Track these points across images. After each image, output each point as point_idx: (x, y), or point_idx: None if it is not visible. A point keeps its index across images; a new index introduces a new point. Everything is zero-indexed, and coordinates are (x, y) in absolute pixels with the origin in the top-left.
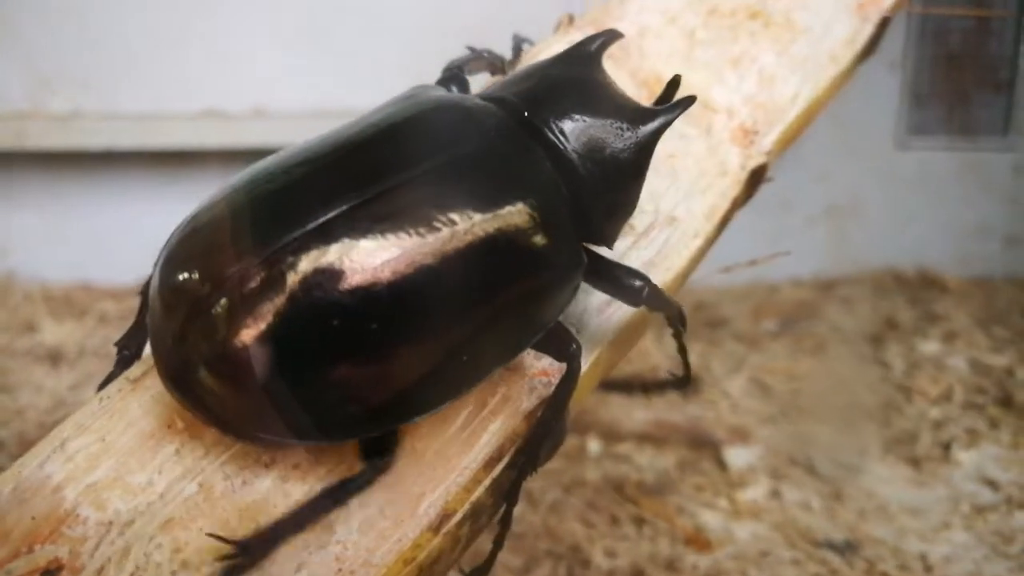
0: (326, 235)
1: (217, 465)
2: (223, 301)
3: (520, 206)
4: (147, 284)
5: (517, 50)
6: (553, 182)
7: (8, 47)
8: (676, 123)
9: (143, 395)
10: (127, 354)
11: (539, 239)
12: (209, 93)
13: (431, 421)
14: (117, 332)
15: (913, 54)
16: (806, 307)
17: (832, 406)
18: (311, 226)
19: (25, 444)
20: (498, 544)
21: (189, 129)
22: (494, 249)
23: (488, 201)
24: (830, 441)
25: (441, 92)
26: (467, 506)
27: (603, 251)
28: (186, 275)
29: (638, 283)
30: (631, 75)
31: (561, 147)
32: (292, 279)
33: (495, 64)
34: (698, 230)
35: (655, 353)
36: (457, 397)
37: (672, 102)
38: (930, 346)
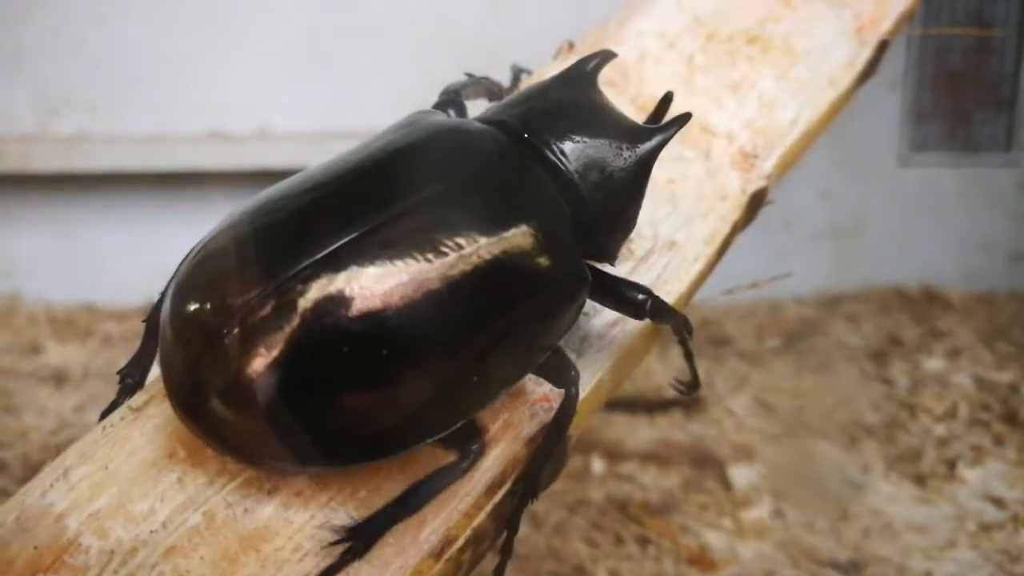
0: (336, 263)
1: (219, 493)
2: (236, 331)
3: (525, 228)
4: (153, 313)
5: (515, 80)
6: (556, 202)
7: (14, 71)
8: (675, 148)
9: (146, 423)
10: (130, 382)
11: (544, 259)
12: (213, 115)
13: (432, 447)
14: (121, 353)
15: (914, 73)
16: (810, 325)
17: (836, 424)
18: (321, 255)
19: (29, 466)
20: (499, 572)
21: (193, 151)
22: (501, 271)
23: (493, 224)
24: (834, 459)
25: (441, 117)
26: (469, 532)
27: (606, 267)
28: (197, 305)
29: (641, 296)
30: (631, 101)
31: (562, 167)
32: (303, 308)
33: (492, 90)
34: (698, 255)
35: (659, 373)
36: (468, 418)
37: (668, 120)
38: (934, 363)
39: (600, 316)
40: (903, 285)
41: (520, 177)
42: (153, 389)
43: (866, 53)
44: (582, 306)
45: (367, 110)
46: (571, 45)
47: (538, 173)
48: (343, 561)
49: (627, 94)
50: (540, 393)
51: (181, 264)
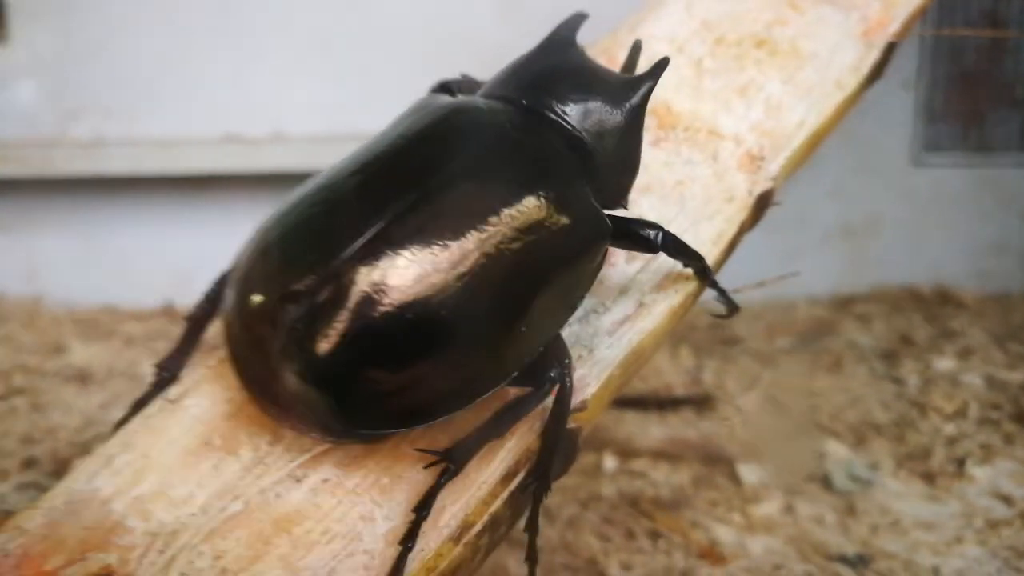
0: (388, 240)
1: (252, 480)
2: (306, 313)
3: (551, 189)
4: (197, 310)
5: None
6: (569, 160)
7: (34, 76)
8: (684, 151)
9: (182, 414)
10: (166, 376)
11: (571, 215)
12: (229, 118)
13: (454, 435)
14: (143, 353)
15: (927, 73)
16: (822, 324)
17: (846, 423)
18: (372, 233)
19: (58, 462)
20: None
21: (210, 154)
22: (536, 229)
23: (523, 189)
24: (844, 457)
25: (448, 98)
26: (486, 517)
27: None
28: (264, 296)
29: (652, 232)
30: None
31: (569, 128)
32: (364, 284)
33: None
34: (705, 255)
35: (669, 371)
36: (522, 367)
37: (651, 67)
38: (945, 363)
39: (610, 313)
40: (916, 285)
41: (534, 142)
42: (188, 382)
43: (873, 56)
44: (607, 251)
45: (380, 112)
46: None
47: (548, 136)
48: (441, 482)
49: None
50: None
51: (240, 259)
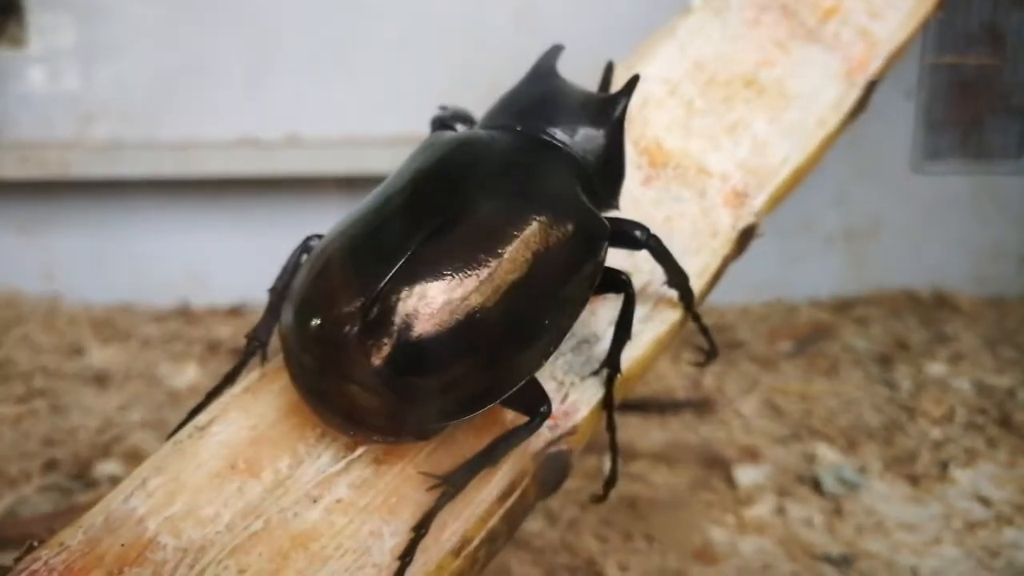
0: (421, 260)
1: (273, 500)
2: (355, 332)
3: (560, 202)
4: (279, 283)
5: None
6: (566, 174)
7: (53, 78)
8: (673, 188)
9: (210, 440)
10: (256, 344)
11: (575, 220)
12: (244, 122)
13: (455, 461)
14: (160, 354)
15: (928, 82)
16: (822, 328)
17: (839, 427)
18: (408, 255)
19: (80, 463)
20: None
21: (225, 157)
22: (547, 234)
23: (532, 203)
24: (834, 461)
25: (452, 133)
26: (484, 533)
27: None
28: (323, 318)
29: (639, 232)
30: (634, 143)
31: (562, 146)
32: (405, 301)
33: (461, 116)
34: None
35: (671, 375)
36: (547, 358)
37: (624, 84)
38: (937, 367)
39: (601, 343)
40: (915, 288)
41: (535, 162)
42: (215, 410)
43: (854, 94)
44: (607, 248)
45: (392, 117)
46: None
47: (545, 155)
48: (440, 503)
49: (630, 137)
50: None
51: (300, 282)
